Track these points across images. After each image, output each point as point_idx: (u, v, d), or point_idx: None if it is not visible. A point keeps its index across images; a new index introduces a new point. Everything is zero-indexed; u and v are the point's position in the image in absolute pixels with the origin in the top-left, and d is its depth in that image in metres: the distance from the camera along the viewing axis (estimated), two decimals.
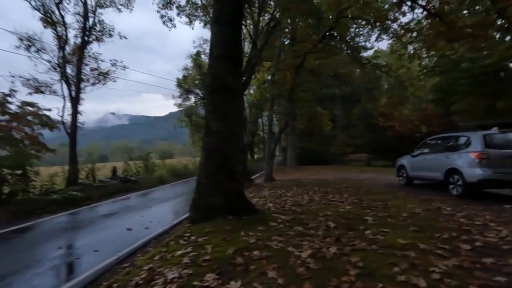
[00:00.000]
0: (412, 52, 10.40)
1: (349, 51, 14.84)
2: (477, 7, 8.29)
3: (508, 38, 8.06)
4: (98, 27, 13.37)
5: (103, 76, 13.75)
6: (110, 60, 13.96)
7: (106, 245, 4.96)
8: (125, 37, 14.24)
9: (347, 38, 14.15)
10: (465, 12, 8.75)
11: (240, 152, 11.72)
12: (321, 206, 5.66)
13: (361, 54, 15.05)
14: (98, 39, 13.45)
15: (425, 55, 11.20)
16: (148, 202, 9.89)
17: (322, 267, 2.77)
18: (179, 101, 29.40)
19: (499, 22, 7.03)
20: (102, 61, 13.70)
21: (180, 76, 28.84)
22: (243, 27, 16.51)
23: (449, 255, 3.15)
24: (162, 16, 13.86)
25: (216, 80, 4.41)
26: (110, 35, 13.71)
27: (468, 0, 7.75)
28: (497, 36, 7.72)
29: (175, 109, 32.42)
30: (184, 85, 28.35)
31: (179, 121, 31.85)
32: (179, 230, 5.02)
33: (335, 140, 29.38)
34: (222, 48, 4.42)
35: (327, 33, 11.73)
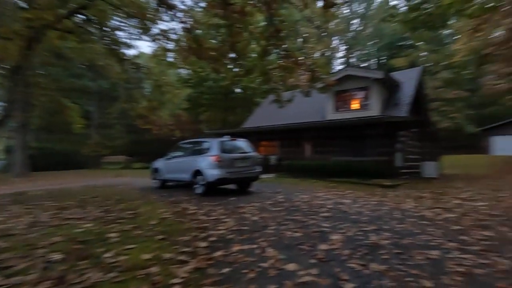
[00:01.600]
0: (170, 60, 10.99)
1: (108, 42, 13.31)
2: (217, 36, 9.91)
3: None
4: None
5: None
6: None
7: None
8: None
9: (107, 28, 12.61)
10: (211, 39, 10.13)
11: None
12: (49, 230, 4.22)
13: (122, 50, 14.03)
14: None
15: (181, 66, 12.27)
16: None
17: None
18: None
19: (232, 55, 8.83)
20: None
21: None
22: None
23: (189, 258, 3.20)
24: None
25: None
26: None
27: (212, 28, 8.85)
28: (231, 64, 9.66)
29: None
30: None
31: None
32: None
33: (88, 140, 25.60)
34: None
35: (78, 12, 9.70)
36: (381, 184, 9.43)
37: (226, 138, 8.00)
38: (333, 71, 15.06)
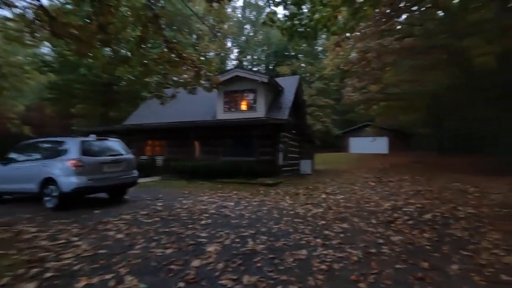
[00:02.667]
0: (13, 34, 8.35)
1: None
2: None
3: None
4: None
5: None
6: None
7: None
8: None
9: None
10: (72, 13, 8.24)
11: None
12: None
13: None
14: None
15: (34, 44, 9.60)
16: None
17: None
18: None
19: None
20: None
21: None
22: None
23: None
24: None
25: None
26: None
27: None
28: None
29: None
30: None
31: None
32: None
33: None
34: None
35: None
36: (264, 183, 9.90)
37: (91, 138, 6.56)
38: (225, 70, 15.11)
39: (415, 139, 34.15)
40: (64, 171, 5.79)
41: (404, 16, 14.71)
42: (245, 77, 13.72)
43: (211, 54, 43.22)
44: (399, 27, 15.70)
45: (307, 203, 6.71)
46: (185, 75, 7.46)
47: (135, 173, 7.21)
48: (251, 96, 14.09)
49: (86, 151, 6.10)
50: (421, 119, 25.18)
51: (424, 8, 13.63)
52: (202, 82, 7.64)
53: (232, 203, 6.56)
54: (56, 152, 6.20)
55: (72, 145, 6.02)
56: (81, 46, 7.06)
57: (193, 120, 14.29)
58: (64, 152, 6.04)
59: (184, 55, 6.78)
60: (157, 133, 15.46)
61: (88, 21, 7.19)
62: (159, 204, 6.52)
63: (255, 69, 50.02)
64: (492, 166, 11.87)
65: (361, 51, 13.14)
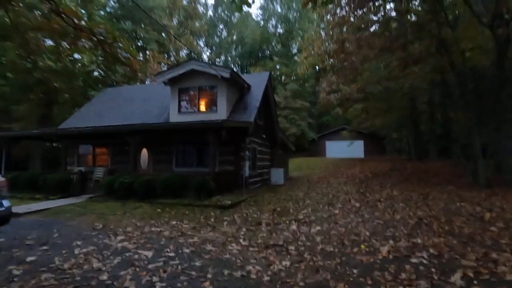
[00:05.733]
0: None
1: None
2: None
3: None
4: None
5: None
6: None
7: None
8: None
9: None
10: None
11: None
12: None
13: None
14: None
15: None
16: None
17: None
18: None
19: None
20: None
21: None
22: None
23: None
24: None
25: None
26: None
27: None
28: None
29: None
30: None
31: None
32: None
33: None
34: None
35: None
36: (220, 205, 7.62)
37: None
38: (179, 63, 12.68)
39: (387, 142, 33.31)
40: None
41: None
42: (204, 71, 11.40)
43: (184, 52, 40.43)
44: (377, 24, 14.25)
45: (269, 244, 4.54)
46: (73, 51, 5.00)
47: (5, 204, 4.65)
48: (210, 94, 11.81)
49: None
50: (398, 121, 24.10)
51: None
52: (117, 68, 5.28)
53: (151, 252, 4.20)
54: None
55: None
56: None
57: (136, 123, 11.73)
58: None
59: (76, 21, 4.36)
60: (96, 140, 12.69)
61: None
62: (29, 259, 4.02)
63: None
64: (483, 176, 10.37)
65: (339, 40, 11.38)
